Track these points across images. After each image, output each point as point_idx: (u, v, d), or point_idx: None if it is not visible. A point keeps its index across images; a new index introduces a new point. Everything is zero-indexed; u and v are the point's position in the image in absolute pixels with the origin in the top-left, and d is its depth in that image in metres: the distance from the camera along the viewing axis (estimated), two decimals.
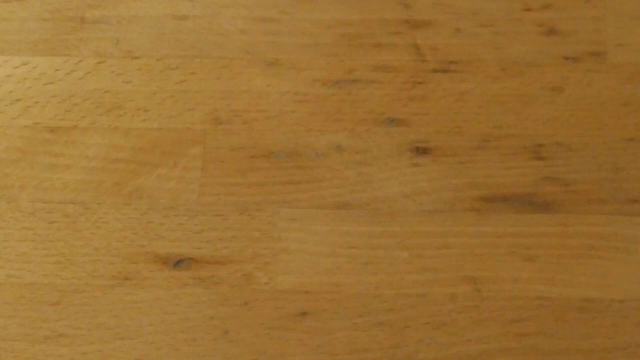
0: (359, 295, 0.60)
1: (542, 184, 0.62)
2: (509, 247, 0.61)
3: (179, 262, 0.61)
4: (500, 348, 0.58)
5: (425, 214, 0.62)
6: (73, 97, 0.67)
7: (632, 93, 0.65)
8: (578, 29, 0.67)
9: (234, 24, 0.69)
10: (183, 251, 0.61)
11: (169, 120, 0.66)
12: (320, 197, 0.63)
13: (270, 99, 0.66)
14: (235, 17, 0.69)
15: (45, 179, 0.64)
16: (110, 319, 0.60)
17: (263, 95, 0.66)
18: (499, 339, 0.58)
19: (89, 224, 0.63)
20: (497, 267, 0.60)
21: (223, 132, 0.65)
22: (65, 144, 0.65)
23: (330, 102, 0.66)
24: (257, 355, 0.59)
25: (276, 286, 0.60)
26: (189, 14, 0.69)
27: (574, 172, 0.63)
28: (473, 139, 0.64)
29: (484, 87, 0.66)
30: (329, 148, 0.64)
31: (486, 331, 0.59)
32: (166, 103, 0.66)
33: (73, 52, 0.68)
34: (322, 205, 0.62)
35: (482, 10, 0.68)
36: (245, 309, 0.60)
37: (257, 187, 0.63)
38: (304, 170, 0.64)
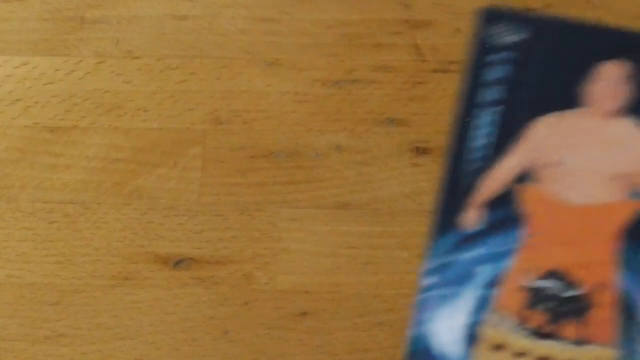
0: (359, 295, 0.60)
1: None
2: None
3: (179, 262, 0.61)
4: None
5: (425, 214, 0.62)
6: (73, 97, 0.67)
7: None
8: None
9: (234, 24, 0.69)
10: (183, 251, 0.61)
11: (169, 120, 0.66)
12: (320, 197, 0.63)
13: (270, 99, 0.66)
14: (235, 17, 0.69)
15: (45, 179, 0.64)
16: (110, 319, 0.60)
17: (263, 95, 0.66)
18: None
19: (89, 224, 0.63)
20: None
21: (223, 132, 0.65)
22: (65, 144, 0.65)
23: (330, 102, 0.66)
24: (257, 355, 0.59)
25: (276, 286, 0.60)
26: (189, 14, 0.69)
27: None
28: None
29: None
30: (329, 148, 0.64)
31: None
32: (166, 103, 0.66)
33: (73, 52, 0.68)
34: (322, 205, 0.62)
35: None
36: (245, 309, 0.60)
37: (257, 187, 0.63)
38: (304, 170, 0.64)
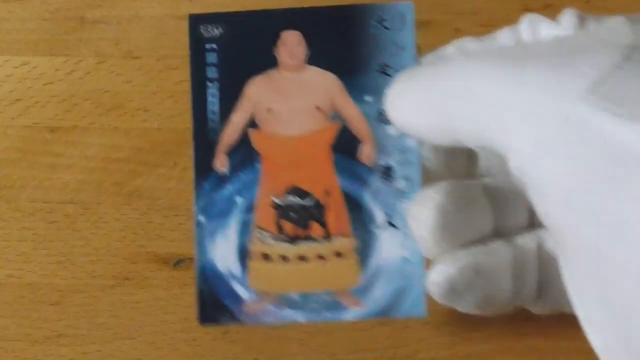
0: None
1: None
2: None
3: (179, 262, 0.61)
4: (500, 348, 0.58)
5: None
6: (73, 97, 0.67)
7: None
8: None
9: None
10: (183, 251, 0.61)
11: (169, 120, 0.66)
12: None
13: None
14: None
15: (45, 179, 0.64)
16: (110, 319, 0.60)
17: None
18: (499, 339, 0.58)
19: (89, 224, 0.63)
20: None
21: None
22: (65, 144, 0.65)
23: None
24: (257, 355, 0.59)
25: None
26: (189, 14, 0.69)
27: None
28: None
29: None
30: None
31: (486, 331, 0.59)
32: (166, 103, 0.66)
33: (73, 52, 0.68)
34: None
35: (482, 10, 0.68)
36: None
37: None
38: None
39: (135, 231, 0.62)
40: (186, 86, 0.67)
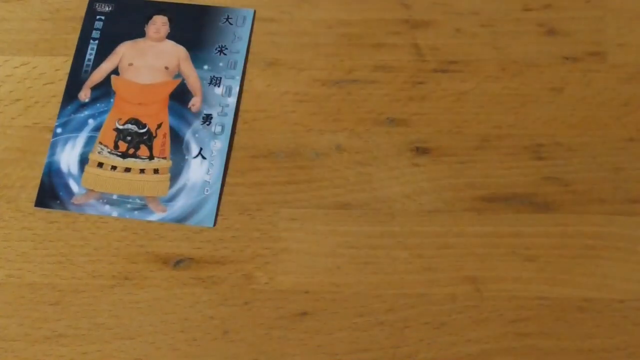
0: (359, 295, 0.60)
1: (542, 184, 0.62)
2: (509, 247, 0.61)
3: (179, 262, 0.61)
4: (500, 348, 0.58)
5: (425, 214, 0.62)
6: None
7: (632, 93, 0.65)
8: (578, 29, 0.67)
9: None
10: (183, 251, 0.61)
11: None
12: (320, 197, 0.63)
13: (270, 99, 0.66)
14: None
15: None
16: (110, 319, 0.60)
17: (263, 95, 0.66)
18: (499, 339, 0.58)
19: (89, 224, 0.63)
20: (497, 267, 0.60)
21: None
22: None
23: (330, 102, 0.66)
24: (257, 355, 0.59)
25: (276, 286, 0.60)
26: None
27: (574, 172, 0.63)
28: (473, 139, 0.64)
29: (484, 87, 0.66)
30: (329, 148, 0.64)
31: (486, 331, 0.59)
32: None
33: (73, 52, 0.68)
34: (322, 205, 0.62)
35: (482, 10, 0.68)
36: (245, 309, 0.60)
37: (257, 187, 0.63)
38: (304, 170, 0.64)
39: (135, 231, 0.62)
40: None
